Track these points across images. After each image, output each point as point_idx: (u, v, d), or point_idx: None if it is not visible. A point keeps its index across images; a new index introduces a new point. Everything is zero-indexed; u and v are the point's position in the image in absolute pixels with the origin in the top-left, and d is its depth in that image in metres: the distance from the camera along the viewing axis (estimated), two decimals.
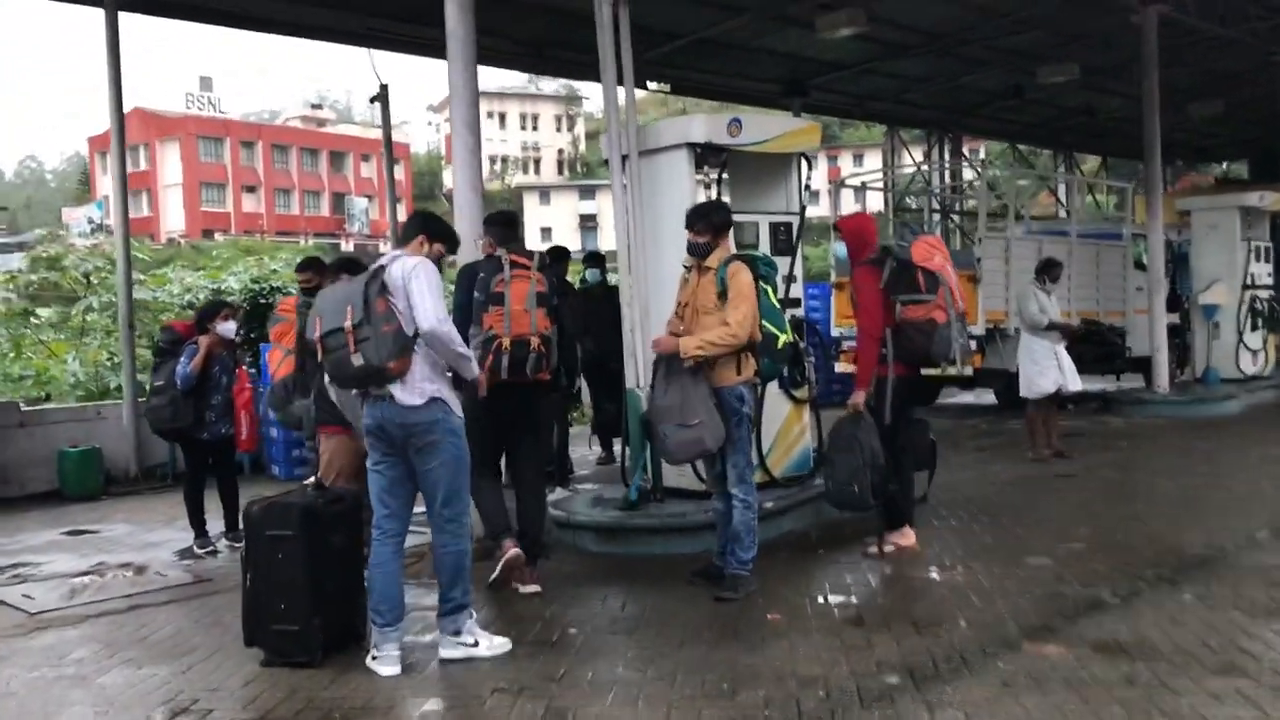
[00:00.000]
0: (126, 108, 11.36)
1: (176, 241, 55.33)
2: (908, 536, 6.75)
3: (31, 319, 15.84)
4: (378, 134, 13.61)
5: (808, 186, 7.88)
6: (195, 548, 7.47)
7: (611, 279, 10.13)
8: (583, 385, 10.70)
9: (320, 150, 75.46)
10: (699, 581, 6.05)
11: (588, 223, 73.40)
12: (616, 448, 9.31)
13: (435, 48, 10.42)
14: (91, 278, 15.77)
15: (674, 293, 6.20)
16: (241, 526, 5.58)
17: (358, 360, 4.69)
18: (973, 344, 11.32)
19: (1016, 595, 5.74)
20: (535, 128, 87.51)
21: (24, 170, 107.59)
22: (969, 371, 12.00)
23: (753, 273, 5.83)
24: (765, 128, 7.73)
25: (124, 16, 10.86)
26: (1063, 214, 22.08)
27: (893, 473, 6.49)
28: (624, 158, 7.34)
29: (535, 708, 4.34)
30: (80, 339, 14.73)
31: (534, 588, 6.04)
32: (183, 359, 7.30)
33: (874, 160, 53.27)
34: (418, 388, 4.80)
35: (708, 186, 7.61)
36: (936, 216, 21.10)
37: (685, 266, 6.09)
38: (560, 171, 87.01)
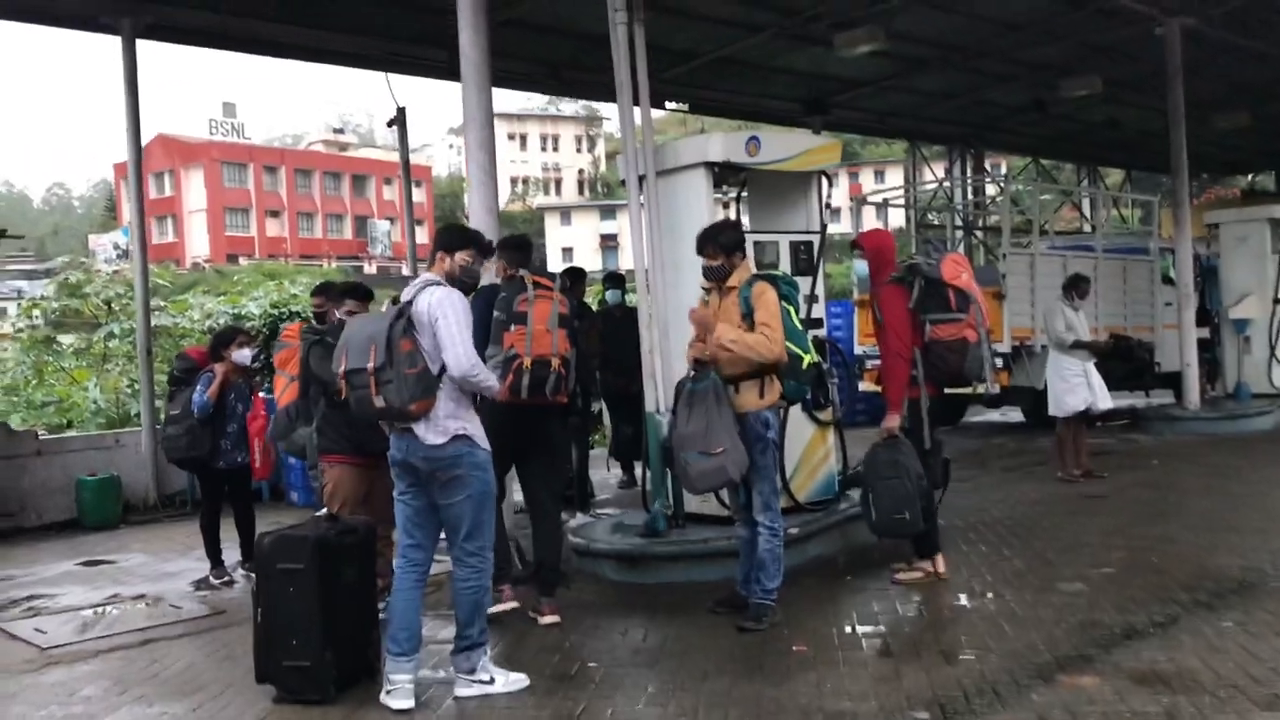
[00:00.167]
0: (150, 135, 11.45)
1: (201, 266, 55.81)
2: (938, 563, 6.59)
3: (54, 346, 15.90)
4: (399, 157, 13.60)
5: (828, 205, 7.74)
6: (211, 578, 7.38)
7: (631, 299, 10.02)
8: (602, 408, 10.59)
9: (343, 174, 75.89)
10: (722, 611, 5.91)
11: (609, 242, 73.45)
12: (637, 470, 9.18)
13: (452, 71, 10.39)
14: (113, 304, 15.80)
15: None
16: None
17: (379, 402, 4.64)
18: (999, 361, 11.15)
19: (1050, 623, 5.57)
20: (556, 148, 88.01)
21: (51, 197, 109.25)
22: (996, 389, 11.83)
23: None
24: (784, 146, 7.59)
25: (145, 45, 10.88)
26: (1087, 228, 21.87)
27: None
28: (641, 178, 7.25)
29: None
30: (102, 366, 14.76)
31: (553, 619, 5.91)
32: (198, 387, 7.22)
33: (895, 176, 53.25)
34: (441, 425, 4.71)
35: (726, 206, 7.49)
36: (959, 233, 20.91)
37: (704, 288, 5.98)
38: (581, 192, 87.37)
